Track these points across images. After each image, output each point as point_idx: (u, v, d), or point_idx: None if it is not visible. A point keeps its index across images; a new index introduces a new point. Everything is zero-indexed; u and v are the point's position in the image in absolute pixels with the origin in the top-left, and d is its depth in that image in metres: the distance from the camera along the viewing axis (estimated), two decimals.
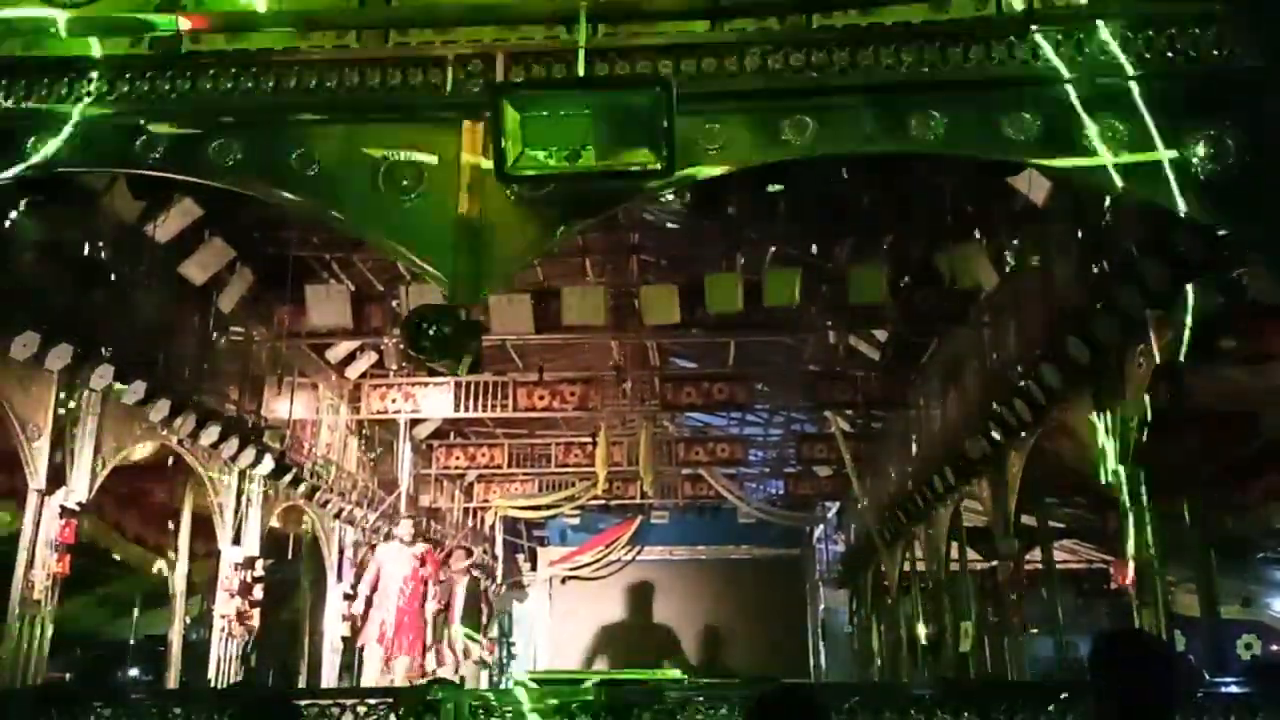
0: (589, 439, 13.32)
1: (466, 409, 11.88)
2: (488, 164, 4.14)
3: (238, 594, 9.21)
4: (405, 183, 4.32)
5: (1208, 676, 5.47)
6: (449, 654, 10.82)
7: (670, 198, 7.58)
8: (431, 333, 6.13)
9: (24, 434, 6.80)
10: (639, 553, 17.80)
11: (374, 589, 9.86)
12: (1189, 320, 5.62)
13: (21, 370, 6.69)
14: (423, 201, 4.31)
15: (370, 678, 9.54)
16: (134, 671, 13.00)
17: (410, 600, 9.87)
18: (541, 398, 11.80)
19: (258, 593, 9.44)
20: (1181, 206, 4.16)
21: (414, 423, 13.11)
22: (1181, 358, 5.65)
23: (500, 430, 14.37)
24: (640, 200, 6.80)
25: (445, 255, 4.26)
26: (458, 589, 11.11)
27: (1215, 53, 4.16)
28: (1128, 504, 6.41)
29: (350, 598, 10.44)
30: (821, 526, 17.76)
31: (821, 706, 2.78)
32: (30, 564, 6.75)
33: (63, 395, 7.07)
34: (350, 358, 11.06)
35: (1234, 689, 4.50)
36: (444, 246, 4.26)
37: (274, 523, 10.33)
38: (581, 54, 4.22)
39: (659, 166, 3.85)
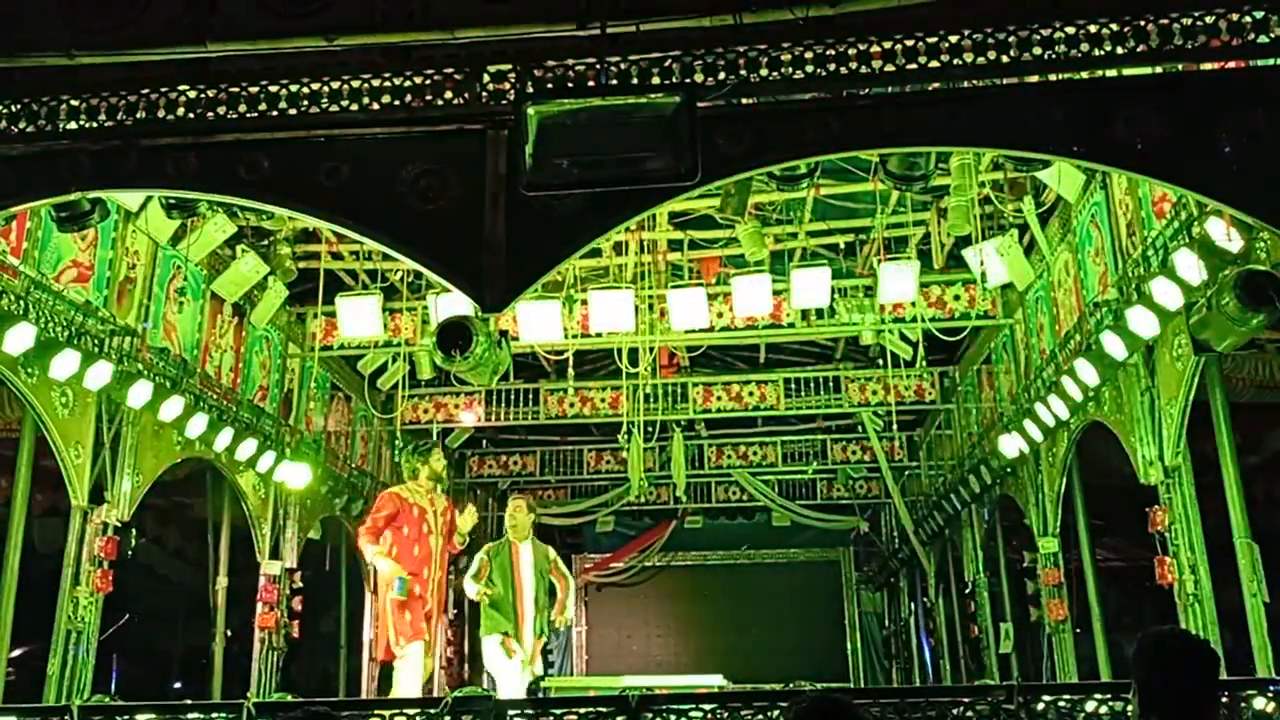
0: (620, 444, 13.32)
1: (497, 418, 11.93)
2: (512, 174, 4.16)
3: (277, 606, 9.30)
4: (431, 194, 4.34)
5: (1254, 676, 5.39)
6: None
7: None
8: (461, 342, 6.17)
9: (66, 452, 6.92)
10: (673, 558, 17.74)
11: (387, 536, 6.61)
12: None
13: (62, 388, 6.81)
14: (448, 212, 4.33)
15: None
16: (176, 685, 13.16)
17: (439, 565, 6.82)
18: (572, 404, 11.82)
19: (297, 604, 9.52)
20: (1215, 196, 4.09)
21: (446, 432, 13.17)
22: (1220, 350, 5.55)
23: (532, 438, 14.41)
24: (665, 205, 6.80)
25: (472, 265, 4.28)
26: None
27: (1250, 40, 4.08)
28: (1170, 500, 6.31)
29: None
30: (856, 529, 17.60)
31: (862, 712, 2.75)
32: (75, 581, 6.87)
33: (103, 413, 7.19)
34: (382, 368, 11.12)
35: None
36: (471, 257, 4.28)
37: (312, 535, 10.42)
38: (603, 61, 4.22)
39: (683, 171, 3.84)
